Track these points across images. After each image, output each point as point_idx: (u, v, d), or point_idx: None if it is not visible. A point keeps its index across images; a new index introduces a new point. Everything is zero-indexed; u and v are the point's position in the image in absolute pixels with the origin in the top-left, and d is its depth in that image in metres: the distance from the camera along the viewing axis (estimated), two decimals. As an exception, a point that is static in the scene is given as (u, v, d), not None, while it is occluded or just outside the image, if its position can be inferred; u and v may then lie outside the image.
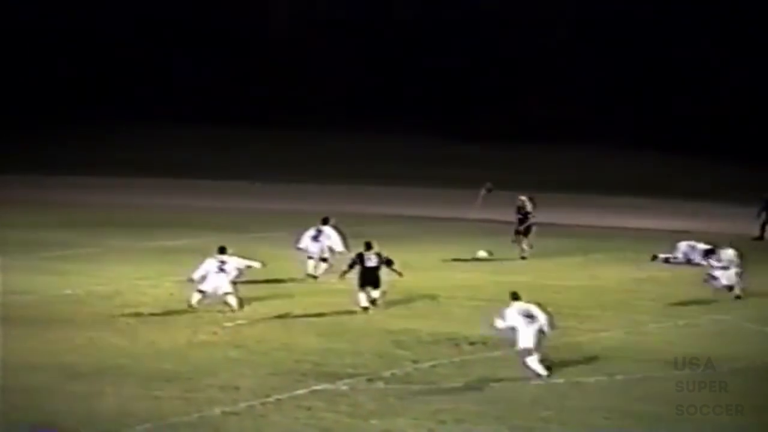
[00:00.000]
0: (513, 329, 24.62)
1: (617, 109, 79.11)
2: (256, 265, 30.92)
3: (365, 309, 30.47)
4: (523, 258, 39.08)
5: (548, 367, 24.67)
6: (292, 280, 34.48)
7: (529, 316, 24.51)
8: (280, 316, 29.94)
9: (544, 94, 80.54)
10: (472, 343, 27.39)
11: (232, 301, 30.18)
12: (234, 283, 30.32)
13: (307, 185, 61.05)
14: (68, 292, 32.39)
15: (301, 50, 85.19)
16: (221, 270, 30.14)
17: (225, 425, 21.38)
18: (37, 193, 55.65)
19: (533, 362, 24.48)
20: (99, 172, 64.14)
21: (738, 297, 32.83)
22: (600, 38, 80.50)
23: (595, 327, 29.68)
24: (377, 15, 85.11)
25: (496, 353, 26.57)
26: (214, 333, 28.04)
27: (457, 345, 27.30)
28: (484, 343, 27.33)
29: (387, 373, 24.66)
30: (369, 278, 30.78)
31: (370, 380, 24.15)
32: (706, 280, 33.24)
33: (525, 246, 39.34)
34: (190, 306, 30.10)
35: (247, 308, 30.61)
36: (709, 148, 72.07)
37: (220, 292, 30.14)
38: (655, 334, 29.32)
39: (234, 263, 30.36)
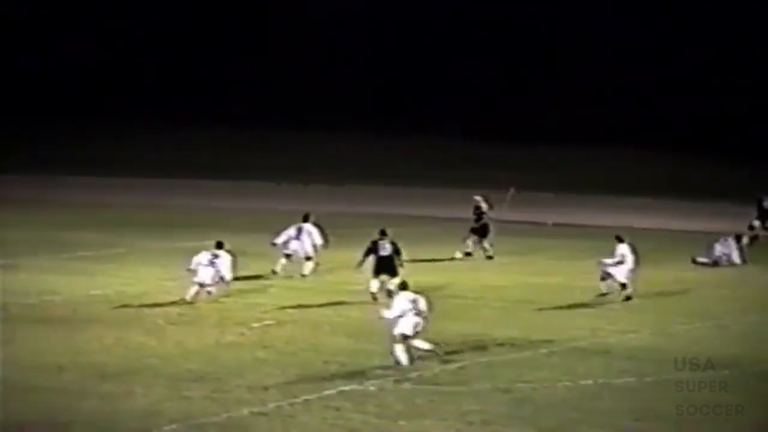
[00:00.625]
0: (398, 317, 25.17)
1: (637, 109, 78.83)
2: (228, 277, 31.16)
3: (374, 297, 30.56)
4: (489, 258, 38.73)
5: (411, 359, 25.04)
6: (321, 280, 34.48)
7: (415, 306, 25.20)
8: (308, 317, 29.92)
9: (563, 94, 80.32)
10: (500, 344, 27.31)
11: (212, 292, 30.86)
12: (222, 279, 30.84)
13: (330, 186, 61.03)
14: (96, 292, 32.47)
15: (319, 48, 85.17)
16: (211, 263, 30.74)
17: (253, 426, 21.37)
18: (59, 193, 55.82)
19: (400, 350, 24.99)
20: (121, 172, 64.29)
21: (629, 298, 32.27)
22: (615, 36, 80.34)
23: (624, 328, 29.55)
24: (402, 14, 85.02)
25: (525, 354, 26.51)
26: (242, 333, 28.05)
27: (485, 346, 27.22)
28: (512, 345, 27.26)
29: (415, 374, 24.62)
30: (384, 266, 31.03)
31: (397, 381, 24.11)
32: (603, 278, 32.72)
33: (486, 245, 39.15)
34: (184, 299, 30.60)
35: (274, 309, 30.61)
36: (732, 147, 71.79)
37: (206, 283, 30.72)
38: (683, 335, 29.17)
39: (225, 262, 30.88)
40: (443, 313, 30.74)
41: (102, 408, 22.05)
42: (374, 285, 31.22)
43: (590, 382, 24.39)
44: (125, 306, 30.81)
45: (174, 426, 21.14)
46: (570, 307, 31.97)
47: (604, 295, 32.48)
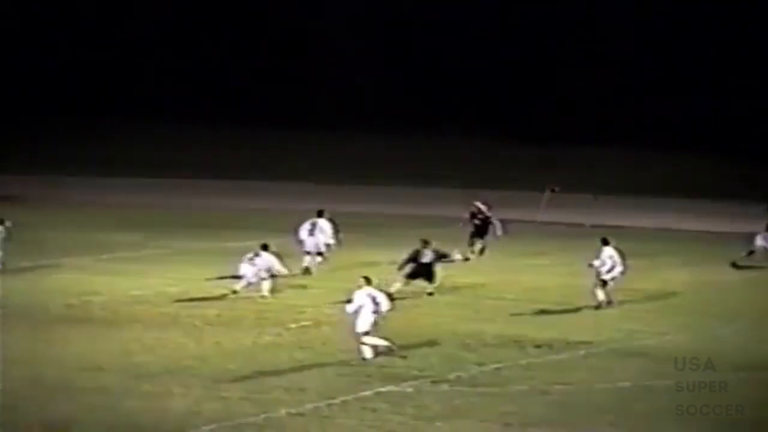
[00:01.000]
0: (357, 312, 25.66)
1: (672, 110, 78.40)
2: (284, 271, 32.16)
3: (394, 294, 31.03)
4: (466, 259, 38.55)
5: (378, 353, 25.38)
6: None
7: (374, 302, 25.68)
8: (345, 318, 29.95)
9: (599, 93, 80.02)
10: (537, 346, 27.29)
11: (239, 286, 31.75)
12: (263, 279, 31.71)
13: (369, 187, 61.06)
14: (136, 293, 32.67)
15: (351, 50, 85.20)
16: (251, 262, 31.73)
17: (290, 426, 21.47)
18: (97, 194, 56.12)
19: (368, 341, 25.54)
20: (159, 173, 64.58)
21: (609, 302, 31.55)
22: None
23: (663, 330, 29.45)
24: (423, 15, 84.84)
25: (562, 356, 26.49)
26: (279, 334, 28.15)
27: (522, 348, 27.21)
28: (549, 346, 27.24)
29: (452, 376, 24.64)
30: (422, 272, 31.64)
31: (435, 382, 24.14)
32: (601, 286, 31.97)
33: (478, 246, 39.08)
34: (234, 290, 31.79)
35: (312, 309, 30.72)
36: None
37: (247, 280, 31.72)
38: (723, 338, 29.03)
39: (265, 262, 31.66)
40: (481, 314, 30.77)
41: (142, 408, 22.21)
42: (399, 285, 31.72)
43: (627, 384, 24.34)
44: (164, 307, 30.99)
45: (212, 426, 21.26)
46: (608, 309, 31.84)
47: (609, 303, 31.84)
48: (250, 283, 31.88)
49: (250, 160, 71.75)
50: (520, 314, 30.97)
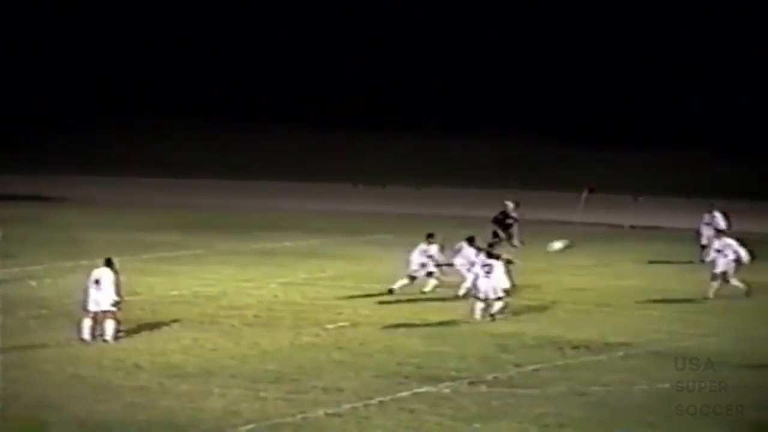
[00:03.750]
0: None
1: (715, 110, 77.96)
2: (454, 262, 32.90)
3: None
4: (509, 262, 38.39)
5: None
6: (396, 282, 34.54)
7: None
8: (382, 319, 29.99)
9: (639, 94, 79.70)
10: (575, 347, 27.19)
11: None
12: (438, 265, 32.51)
13: (409, 189, 61.07)
14: (174, 293, 32.80)
15: (409, 52, 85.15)
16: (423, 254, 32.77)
17: (328, 427, 21.47)
18: (137, 194, 56.41)
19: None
20: (197, 173, 64.83)
21: None
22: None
23: (703, 332, 29.29)
24: (472, 17, 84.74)
25: (601, 357, 26.38)
26: (317, 335, 28.18)
27: (560, 348, 27.11)
28: (587, 347, 27.14)
29: (490, 377, 24.59)
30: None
31: (472, 383, 24.09)
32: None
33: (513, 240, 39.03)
34: (422, 292, 32.55)
35: (349, 310, 30.74)
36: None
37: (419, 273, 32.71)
38: (764, 339, 28.83)
39: (434, 251, 32.74)
40: (519, 315, 30.68)
41: (180, 407, 22.28)
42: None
43: (667, 385, 24.21)
44: (203, 307, 31.09)
45: (250, 426, 21.30)
46: (647, 309, 31.75)
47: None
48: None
49: (291, 160, 71.85)
50: (558, 315, 30.85)
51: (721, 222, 40.10)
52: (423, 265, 32.82)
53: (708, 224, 40.27)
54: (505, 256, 31.90)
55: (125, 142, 75.79)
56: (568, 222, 47.37)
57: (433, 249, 32.92)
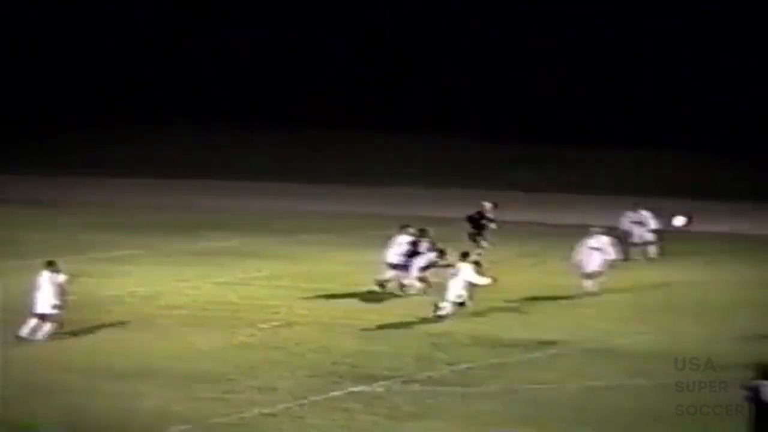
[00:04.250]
0: None
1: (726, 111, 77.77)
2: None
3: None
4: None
5: None
6: (331, 281, 34.62)
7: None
8: (318, 318, 30.06)
9: (653, 96, 79.59)
10: (509, 346, 27.39)
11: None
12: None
13: (424, 189, 60.64)
14: (109, 293, 32.66)
15: (439, 56, 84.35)
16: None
17: (263, 426, 21.53)
18: (75, 194, 55.96)
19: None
20: (136, 173, 64.42)
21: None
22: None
23: (638, 330, 29.57)
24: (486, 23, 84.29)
25: (534, 355, 26.60)
26: (252, 335, 28.21)
27: (494, 347, 27.31)
28: (521, 346, 27.35)
29: (423, 376, 24.74)
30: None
31: (406, 382, 24.23)
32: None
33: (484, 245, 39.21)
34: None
35: (285, 310, 30.81)
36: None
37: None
38: (699, 336, 29.10)
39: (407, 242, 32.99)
40: (454, 313, 30.82)
41: (114, 407, 22.23)
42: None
43: (600, 383, 24.46)
44: (137, 307, 31.00)
45: (186, 426, 21.31)
46: (581, 308, 32.04)
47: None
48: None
49: (284, 161, 71.11)
50: (491, 314, 30.99)
51: (651, 221, 40.74)
52: (406, 257, 32.95)
53: (637, 222, 40.82)
54: (473, 257, 32.14)
55: (125, 142, 74.95)
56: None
57: (407, 239, 32.89)
